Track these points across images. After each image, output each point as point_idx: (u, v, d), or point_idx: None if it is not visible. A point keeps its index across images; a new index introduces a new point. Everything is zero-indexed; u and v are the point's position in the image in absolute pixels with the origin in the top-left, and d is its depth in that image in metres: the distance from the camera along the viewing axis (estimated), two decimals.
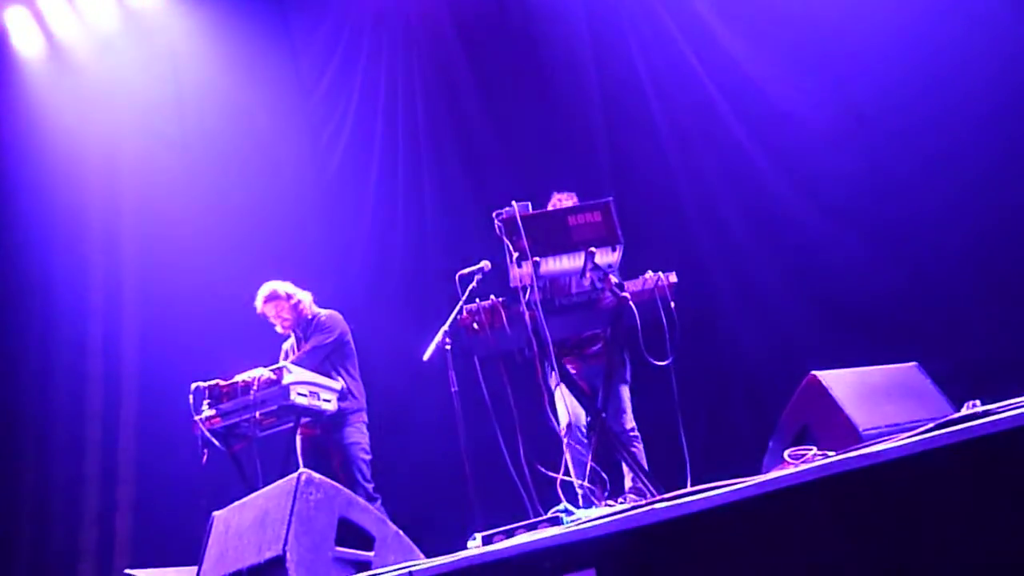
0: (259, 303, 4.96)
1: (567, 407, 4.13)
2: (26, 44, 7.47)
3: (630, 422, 4.22)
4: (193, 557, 3.35)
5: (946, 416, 2.37)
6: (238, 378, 4.63)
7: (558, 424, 4.11)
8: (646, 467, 4.04)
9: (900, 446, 1.98)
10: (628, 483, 4.14)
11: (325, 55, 7.00)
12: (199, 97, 7.17)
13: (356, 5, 6.83)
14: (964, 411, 2.46)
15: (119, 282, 7.31)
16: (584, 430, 4.11)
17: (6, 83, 7.54)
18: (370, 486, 4.83)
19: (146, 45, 7.31)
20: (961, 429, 1.94)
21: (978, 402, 2.59)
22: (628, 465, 4.03)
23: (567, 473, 3.85)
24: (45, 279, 7.21)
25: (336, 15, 6.92)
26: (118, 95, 7.35)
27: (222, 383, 4.65)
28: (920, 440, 1.97)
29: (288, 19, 7.10)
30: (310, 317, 4.99)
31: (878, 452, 1.99)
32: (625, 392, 4.25)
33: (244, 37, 7.03)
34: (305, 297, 5.01)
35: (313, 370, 4.74)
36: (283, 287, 4.97)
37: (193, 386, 4.64)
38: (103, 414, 6.95)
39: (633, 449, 4.08)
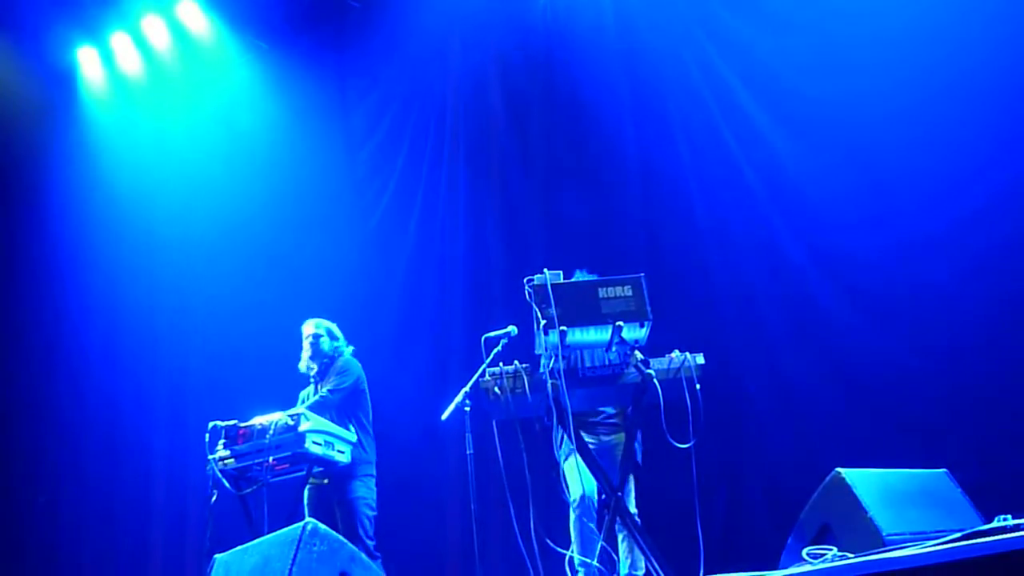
0: (311, 328, 5.07)
1: (580, 479, 4.04)
2: (94, 81, 7.83)
3: (633, 506, 4.13)
4: None
5: (974, 527, 2.28)
6: (255, 421, 4.63)
7: (569, 496, 4.03)
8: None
9: (924, 554, 1.91)
10: (625, 568, 4.02)
11: (376, 115, 7.20)
12: (250, 142, 7.40)
13: (410, 73, 7.06)
14: (994, 524, 2.37)
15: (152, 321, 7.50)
16: (596, 506, 4.01)
17: (73, 117, 7.90)
18: (372, 543, 4.75)
19: (206, 87, 7.60)
20: (989, 542, 1.87)
21: (1009, 516, 2.49)
22: (641, 549, 3.91)
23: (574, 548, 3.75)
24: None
25: (390, 79, 7.16)
26: (174, 133, 7.65)
27: (240, 424, 4.65)
28: (945, 550, 1.90)
29: (345, 77, 7.35)
30: (329, 360, 5.04)
31: (901, 558, 1.92)
32: (631, 475, 4.17)
33: (300, 89, 7.29)
34: (345, 346, 5.15)
35: (333, 407, 4.77)
36: (337, 331, 5.14)
37: (211, 425, 4.65)
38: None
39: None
